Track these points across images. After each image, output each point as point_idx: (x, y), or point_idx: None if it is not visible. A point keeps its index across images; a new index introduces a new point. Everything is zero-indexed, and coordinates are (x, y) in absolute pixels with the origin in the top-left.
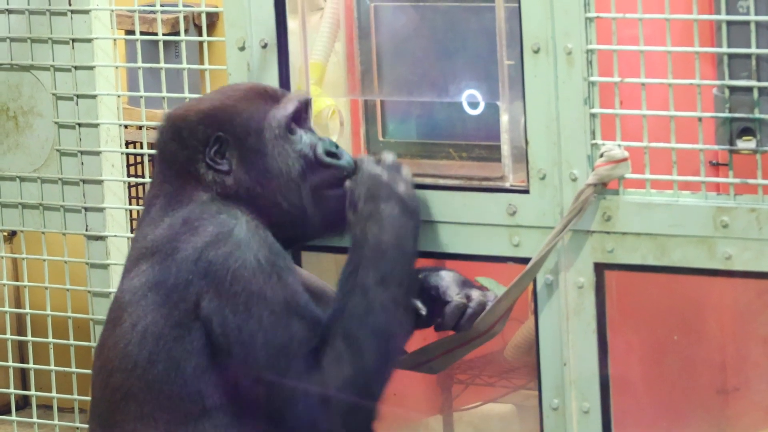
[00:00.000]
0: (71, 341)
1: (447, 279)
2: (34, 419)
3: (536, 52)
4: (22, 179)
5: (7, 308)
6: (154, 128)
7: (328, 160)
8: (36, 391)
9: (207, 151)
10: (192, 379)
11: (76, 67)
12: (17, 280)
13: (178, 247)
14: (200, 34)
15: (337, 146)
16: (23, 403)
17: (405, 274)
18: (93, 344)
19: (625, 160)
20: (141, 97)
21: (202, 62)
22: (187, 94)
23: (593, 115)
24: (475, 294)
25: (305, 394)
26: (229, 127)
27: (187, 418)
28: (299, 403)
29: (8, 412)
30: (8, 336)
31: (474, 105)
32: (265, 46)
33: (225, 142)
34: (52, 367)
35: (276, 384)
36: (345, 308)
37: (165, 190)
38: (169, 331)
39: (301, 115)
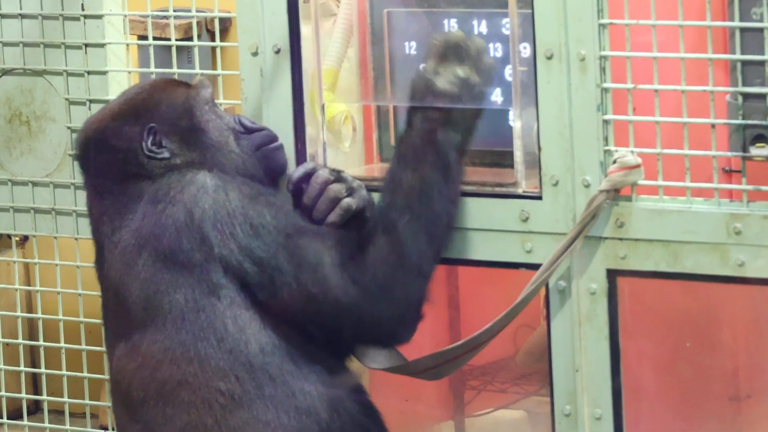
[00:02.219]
0: (83, 346)
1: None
2: (46, 424)
3: (549, 58)
4: (35, 184)
5: (19, 313)
6: None
7: (256, 126)
8: (48, 396)
9: (143, 144)
10: (242, 340)
11: (89, 72)
12: (29, 285)
13: (167, 222)
14: (213, 40)
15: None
16: (35, 408)
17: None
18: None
19: (638, 166)
20: None
21: (214, 68)
22: None
23: (606, 122)
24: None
25: (354, 303)
26: (157, 116)
27: (243, 394)
28: (349, 313)
29: (20, 417)
30: (20, 341)
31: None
32: (278, 52)
33: (158, 131)
34: (64, 371)
35: (322, 300)
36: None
37: (109, 200)
38: (206, 301)
39: (213, 96)
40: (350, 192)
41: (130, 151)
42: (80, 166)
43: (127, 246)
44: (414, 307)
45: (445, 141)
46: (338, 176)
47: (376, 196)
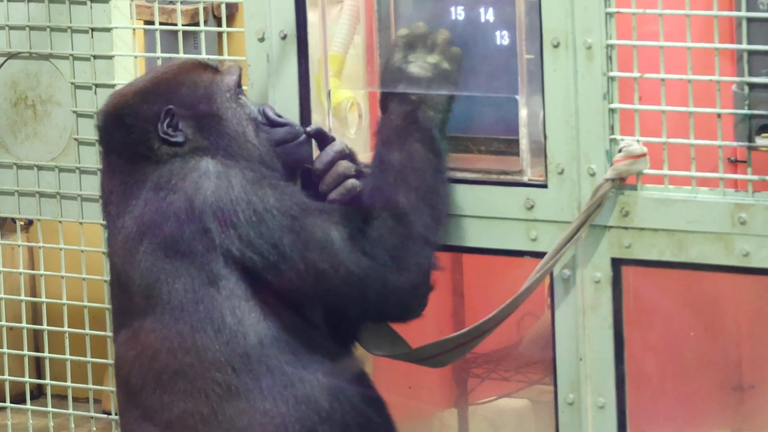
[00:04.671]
0: (87, 330)
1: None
2: (49, 408)
3: (556, 46)
4: (40, 168)
5: (23, 297)
6: None
7: (281, 119)
8: (51, 380)
9: (159, 126)
10: (240, 332)
11: (95, 57)
12: (33, 269)
13: (169, 210)
14: (219, 25)
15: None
16: (38, 393)
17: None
18: (109, 333)
19: (643, 155)
20: None
21: (221, 53)
22: None
23: (612, 110)
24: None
25: (366, 275)
26: (177, 98)
27: (239, 385)
28: (361, 286)
29: (23, 401)
30: (24, 325)
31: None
32: (284, 38)
33: (176, 114)
34: (68, 356)
35: (333, 275)
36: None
37: (118, 180)
38: (205, 291)
39: (240, 83)
40: (358, 174)
41: (145, 131)
42: (99, 140)
43: (129, 233)
44: (425, 276)
45: (426, 119)
46: (352, 155)
47: None
